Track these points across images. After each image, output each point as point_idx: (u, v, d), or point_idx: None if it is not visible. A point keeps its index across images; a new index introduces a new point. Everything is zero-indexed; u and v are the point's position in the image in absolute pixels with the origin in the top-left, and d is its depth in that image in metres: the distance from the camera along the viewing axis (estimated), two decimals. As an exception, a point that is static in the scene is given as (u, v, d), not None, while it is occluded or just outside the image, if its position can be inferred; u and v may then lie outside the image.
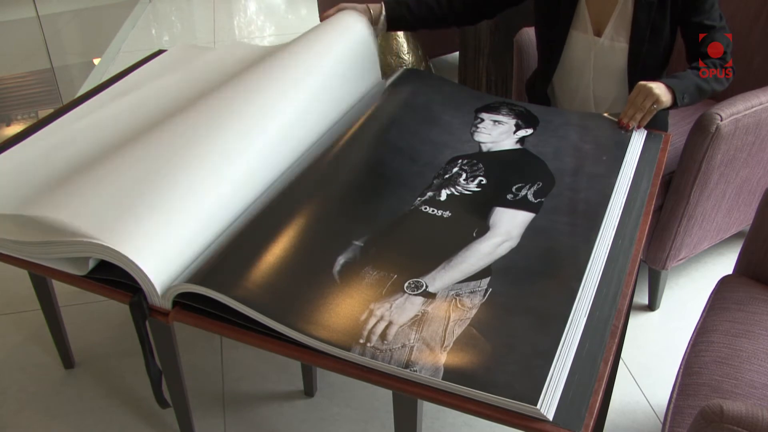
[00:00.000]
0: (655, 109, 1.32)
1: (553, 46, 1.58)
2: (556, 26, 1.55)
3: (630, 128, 1.32)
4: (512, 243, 1.03)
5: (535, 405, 0.78)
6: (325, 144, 1.24)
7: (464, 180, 1.17)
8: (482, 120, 1.34)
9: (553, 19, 1.55)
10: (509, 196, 1.13)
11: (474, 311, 0.90)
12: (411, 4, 1.53)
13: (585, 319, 0.91)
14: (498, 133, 1.29)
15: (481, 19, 1.62)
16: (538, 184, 1.15)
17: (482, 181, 1.16)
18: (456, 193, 1.13)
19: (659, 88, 1.31)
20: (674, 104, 1.35)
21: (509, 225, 1.06)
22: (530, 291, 0.94)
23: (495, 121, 1.33)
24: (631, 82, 1.54)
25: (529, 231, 1.05)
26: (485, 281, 0.95)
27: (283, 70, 1.31)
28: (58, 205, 1.02)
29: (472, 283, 0.95)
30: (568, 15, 1.53)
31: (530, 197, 1.12)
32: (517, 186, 1.15)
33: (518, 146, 1.26)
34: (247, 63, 1.48)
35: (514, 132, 1.29)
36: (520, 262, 0.99)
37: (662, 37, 1.48)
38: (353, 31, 1.43)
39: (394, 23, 1.52)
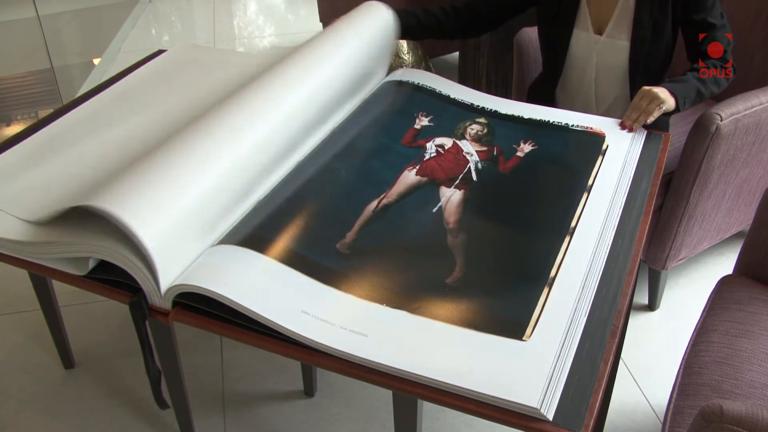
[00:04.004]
0: (660, 111, 1.32)
1: (557, 46, 1.58)
2: (558, 26, 1.55)
3: (633, 131, 1.33)
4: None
5: (535, 405, 0.78)
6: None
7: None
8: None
9: (556, 20, 1.55)
10: None
11: None
12: (419, 14, 1.53)
13: (585, 319, 0.91)
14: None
15: (485, 30, 1.63)
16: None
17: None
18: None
19: (663, 93, 1.32)
20: (676, 109, 1.35)
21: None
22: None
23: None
24: (633, 81, 1.54)
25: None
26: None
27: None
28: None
29: None
30: (571, 14, 1.53)
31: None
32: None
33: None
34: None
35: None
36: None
37: (664, 35, 1.48)
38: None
39: (403, 31, 1.51)
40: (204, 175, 1.04)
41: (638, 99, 1.33)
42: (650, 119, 1.32)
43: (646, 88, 1.33)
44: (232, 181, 1.11)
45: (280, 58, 1.42)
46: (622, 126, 1.33)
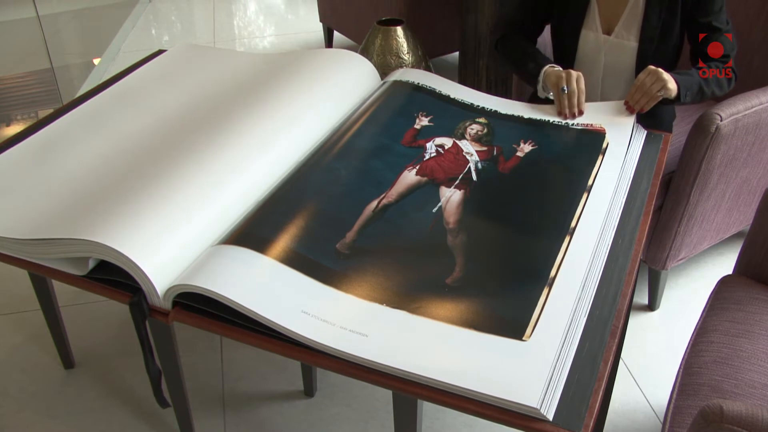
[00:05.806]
0: (661, 96, 1.32)
1: (565, 47, 1.59)
2: (567, 26, 1.56)
3: (635, 112, 1.33)
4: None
5: (535, 405, 0.78)
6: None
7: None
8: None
9: (565, 20, 1.56)
10: None
11: None
12: (530, 49, 1.57)
13: (585, 319, 0.91)
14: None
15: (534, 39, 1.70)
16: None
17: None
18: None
19: (667, 76, 1.33)
20: (677, 99, 1.36)
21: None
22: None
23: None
24: None
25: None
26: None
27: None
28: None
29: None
30: (580, 14, 1.54)
31: None
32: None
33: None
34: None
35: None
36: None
37: (672, 36, 1.49)
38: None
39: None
40: (207, 192, 1.05)
41: (644, 76, 1.34)
42: (652, 104, 1.33)
43: (652, 67, 1.34)
44: (230, 183, 1.11)
45: (278, 66, 1.43)
46: (627, 106, 1.34)
